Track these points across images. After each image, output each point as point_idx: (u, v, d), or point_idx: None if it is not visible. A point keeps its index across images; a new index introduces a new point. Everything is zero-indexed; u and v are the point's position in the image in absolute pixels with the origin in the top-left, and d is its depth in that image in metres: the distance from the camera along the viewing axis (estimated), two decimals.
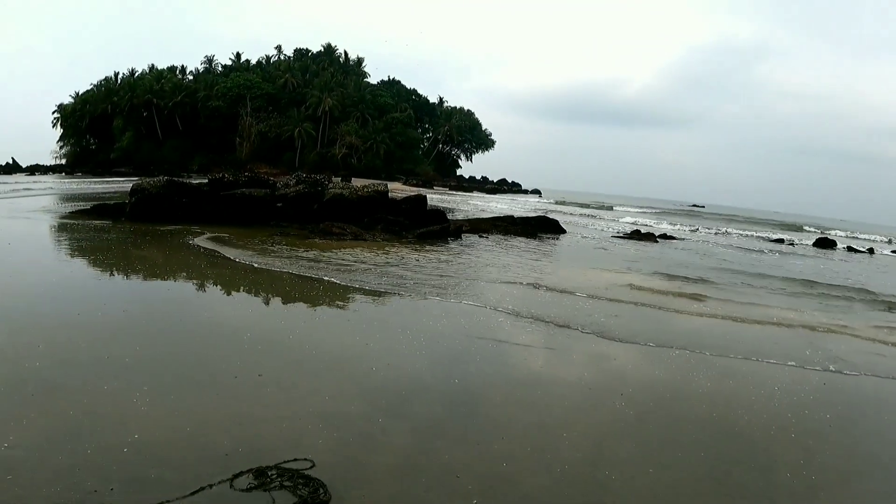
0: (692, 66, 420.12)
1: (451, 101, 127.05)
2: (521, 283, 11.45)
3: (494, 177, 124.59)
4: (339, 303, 9.30)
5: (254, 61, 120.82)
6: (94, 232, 15.93)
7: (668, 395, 6.25)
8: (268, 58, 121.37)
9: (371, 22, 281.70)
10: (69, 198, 32.97)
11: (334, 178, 42.30)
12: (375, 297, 9.66)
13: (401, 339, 7.32)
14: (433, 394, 5.81)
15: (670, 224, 40.43)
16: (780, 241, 33.92)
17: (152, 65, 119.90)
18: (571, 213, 42.88)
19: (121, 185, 49.16)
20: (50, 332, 6.79)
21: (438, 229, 18.44)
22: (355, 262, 12.68)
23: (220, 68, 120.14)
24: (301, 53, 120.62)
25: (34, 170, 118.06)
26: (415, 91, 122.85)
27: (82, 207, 22.44)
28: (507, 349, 7.30)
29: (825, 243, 33.53)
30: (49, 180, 67.25)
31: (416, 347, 7.02)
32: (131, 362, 5.91)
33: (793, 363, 7.52)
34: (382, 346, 7.00)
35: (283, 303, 9.26)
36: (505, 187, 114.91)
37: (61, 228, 17.38)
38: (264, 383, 5.62)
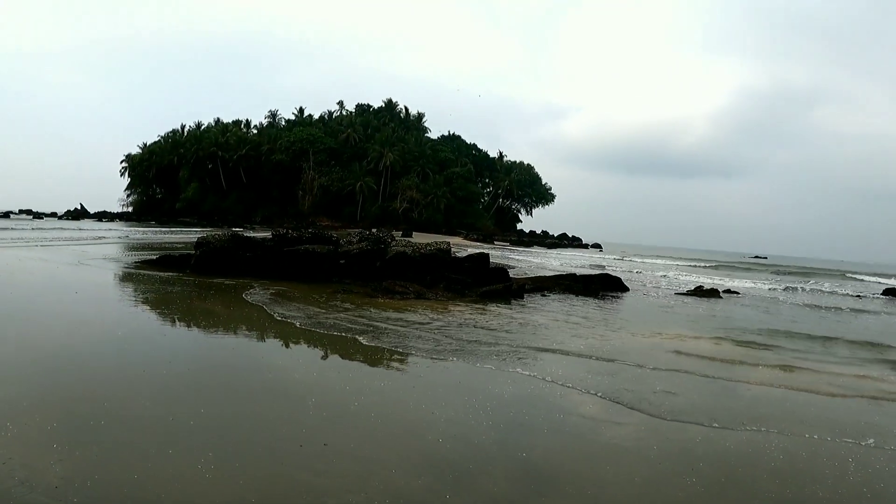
0: (748, 113, 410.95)
1: (510, 154, 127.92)
2: (585, 350, 11.17)
3: (555, 230, 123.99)
4: (404, 367, 9.16)
5: (316, 116, 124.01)
6: (160, 284, 16.29)
7: (741, 471, 5.93)
8: (330, 113, 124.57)
9: (430, 75, 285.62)
10: (137, 247, 33.86)
11: (395, 233, 42.62)
12: (440, 362, 9.51)
13: (466, 407, 7.13)
14: (500, 468, 5.60)
15: (733, 278, 39.45)
16: (848, 294, 32.76)
17: (217, 118, 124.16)
18: (632, 270, 42.14)
19: (186, 235, 50.38)
20: (116, 389, 6.86)
21: (501, 288, 18.28)
22: (419, 322, 12.58)
23: (283, 122, 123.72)
24: (363, 109, 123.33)
25: (102, 216, 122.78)
26: (474, 145, 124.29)
27: (149, 257, 23.01)
28: (574, 422, 7.04)
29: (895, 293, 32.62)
30: (117, 227, 69.30)
31: (482, 417, 6.83)
32: (196, 425, 5.89)
33: (871, 441, 7.10)
34: (448, 415, 6.84)
35: (348, 366, 9.14)
36: (565, 241, 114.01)
37: (128, 278, 17.92)
38: (329, 453, 5.50)
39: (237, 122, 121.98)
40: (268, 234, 21.20)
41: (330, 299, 14.96)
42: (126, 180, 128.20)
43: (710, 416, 7.52)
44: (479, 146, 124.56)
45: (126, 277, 18.23)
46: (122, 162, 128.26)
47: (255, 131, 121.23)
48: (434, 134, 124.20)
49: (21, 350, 8.43)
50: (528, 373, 9.07)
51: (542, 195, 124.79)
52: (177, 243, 38.11)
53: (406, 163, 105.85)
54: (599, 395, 8.13)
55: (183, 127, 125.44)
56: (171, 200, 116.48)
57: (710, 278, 37.27)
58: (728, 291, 26.57)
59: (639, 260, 63.31)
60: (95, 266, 21.59)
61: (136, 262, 22.52)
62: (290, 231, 20.46)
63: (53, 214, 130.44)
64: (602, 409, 7.55)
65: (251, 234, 24.07)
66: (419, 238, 65.91)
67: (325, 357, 9.62)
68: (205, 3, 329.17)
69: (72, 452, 5.07)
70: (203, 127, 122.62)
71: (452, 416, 6.82)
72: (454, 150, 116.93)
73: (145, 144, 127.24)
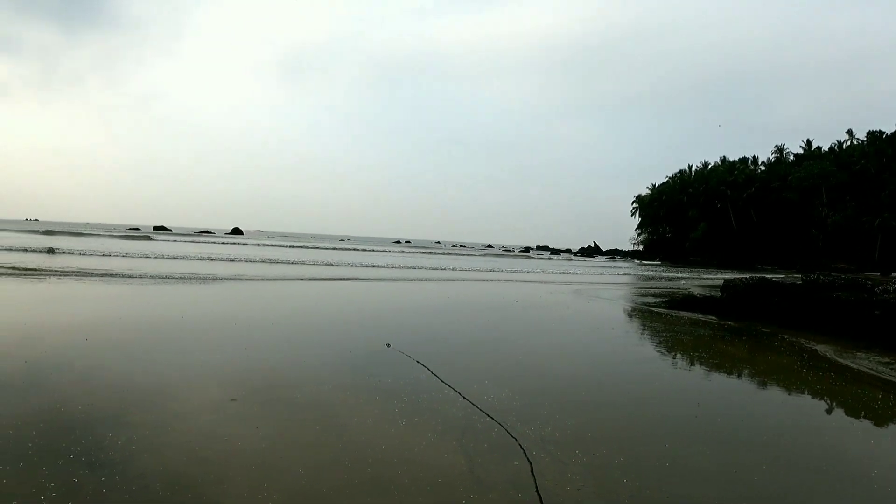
0: None
1: None
2: None
3: None
4: None
5: (825, 148, 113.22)
6: (689, 325, 16.70)
7: None
8: (839, 143, 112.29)
9: None
10: (658, 288, 34.87)
11: None
12: None
13: None
14: None
15: None
16: None
17: (723, 156, 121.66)
18: None
19: (701, 277, 50.29)
20: (674, 435, 6.87)
21: None
22: None
23: (790, 157, 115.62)
24: (874, 136, 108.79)
25: (613, 254, 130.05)
26: None
27: (672, 298, 23.61)
28: None
29: None
30: (629, 265, 72.27)
31: None
32: (759, 481, 5.61)
33: None
34: None
35: None
36: None
37: (656, 318, 18.55)
38: None
39: (743, 160, 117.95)
40: (788, 278, 20.19)
41: (871, 353, 13.47)
42: (636, 220, 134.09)
43: None
44: None
45: (653, 316, 18.94)
46: (632, 203, 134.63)
47: (762, 168, 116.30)
48: None
49: (573, 384, 9.20)
50: None
51: None
52: (689, 285, 38.40)
53: None
54: None
55: (690, 167, 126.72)
56: (680, 240, 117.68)
57: None
58: None
59: None
60: (619, 303, 22.99)
61: (659, 302, 23.33)
62: (821, 276, 19.03)
63: (568, 251, 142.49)
64: None
65: (771, 276, 23.06)
66: None
67: (877, 422, 8.56)
68: (698, 43, 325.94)
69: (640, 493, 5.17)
70: (710, 166, 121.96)
71: None
72: None
73: (654, 186, 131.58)
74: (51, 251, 33.99)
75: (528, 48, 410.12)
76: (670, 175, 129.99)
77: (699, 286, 36.00)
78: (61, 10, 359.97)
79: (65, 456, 5.13)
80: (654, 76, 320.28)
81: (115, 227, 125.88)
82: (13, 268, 22.16)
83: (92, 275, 21.84)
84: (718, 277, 50.17)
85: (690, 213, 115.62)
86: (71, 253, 34.50)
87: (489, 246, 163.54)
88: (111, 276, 22.12)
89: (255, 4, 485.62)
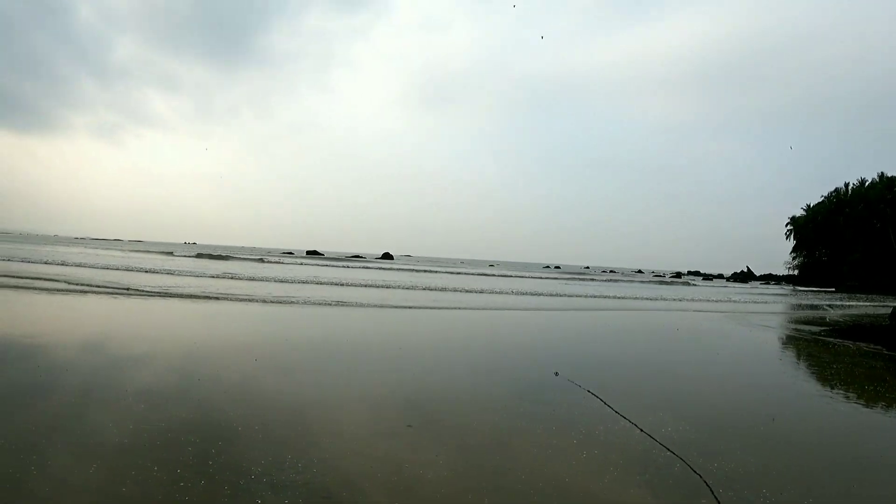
0: None
1: None
2: None
3: None
4: None
5: None
6: (858, 356, 15.54)
7: None
8: None
9: None
10: (815, 316, 33.07)
11: None
12: None
13: None
14: None
15: None
16: None
17: (881, 173, 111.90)
18: None
19: (868, 306, 47.06)
20: (847, 478, 6.38)
21: None
22: None
23: None
24: None
25: (768, 279, 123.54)
26: None
27: (837, 326, 22.34)
28: None
29: None
30: (783, 291, 68.38)
31: None
32: None
33: None
34: None
35: None
36: None
37: (822, 347, 17.46)
38: None
39: None
40: None
41: None
42: (791, 243, 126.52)
43: None
44: None
45: (818, 345, 17.83)
46: (787, 224, 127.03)
47: None
48: None
49: (749, 417, 8.61)
50: None
51: None
52: (849, 312, 36.15)
53: None
54: None
55: (846, 185, 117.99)
56: (837, 263, 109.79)
57: None
58: None
59: None
60: (781, 330, 21.96)
61: (822, 330, 22.07)
62: None
63: (720, 276, 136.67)
64: None
65: None
66: None
67: None
68: (842, 54, 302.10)
69: None
70: (867, 184, 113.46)
71: None
72: None
73: (809, 206, 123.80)
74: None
75: (668, 67, 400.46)
76: (825, 194, 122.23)
77: (858, 314, 33.81)
78: (215, 49, 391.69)
79: (246, 476, 5.23)
80: (801, 88, 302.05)
81: (269, 252, 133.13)
82: (163, 289, 22.91)
83: (249, 300, 21.89)
84: (883, 304, 46.89)
85: (847, 235, 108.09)
86: (222, 276, 36.09)
87: (639, 271, 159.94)
88: (259, 300, 22.37)
89: (398, 36, 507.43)
